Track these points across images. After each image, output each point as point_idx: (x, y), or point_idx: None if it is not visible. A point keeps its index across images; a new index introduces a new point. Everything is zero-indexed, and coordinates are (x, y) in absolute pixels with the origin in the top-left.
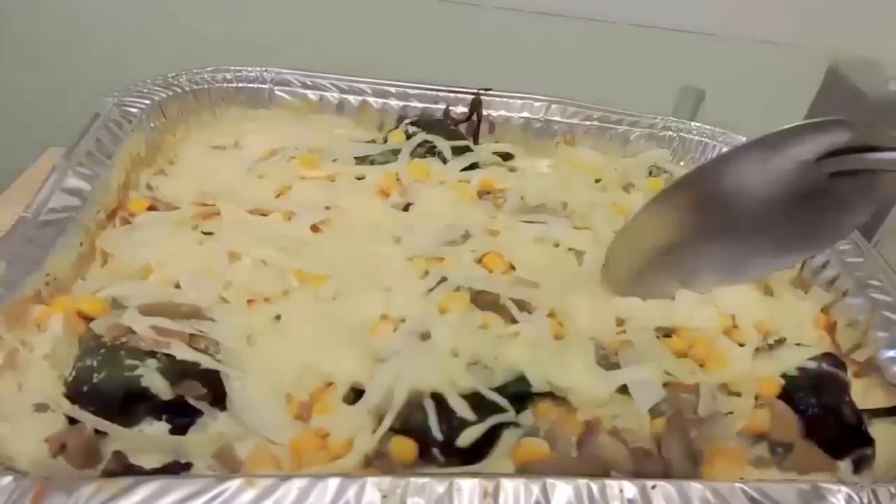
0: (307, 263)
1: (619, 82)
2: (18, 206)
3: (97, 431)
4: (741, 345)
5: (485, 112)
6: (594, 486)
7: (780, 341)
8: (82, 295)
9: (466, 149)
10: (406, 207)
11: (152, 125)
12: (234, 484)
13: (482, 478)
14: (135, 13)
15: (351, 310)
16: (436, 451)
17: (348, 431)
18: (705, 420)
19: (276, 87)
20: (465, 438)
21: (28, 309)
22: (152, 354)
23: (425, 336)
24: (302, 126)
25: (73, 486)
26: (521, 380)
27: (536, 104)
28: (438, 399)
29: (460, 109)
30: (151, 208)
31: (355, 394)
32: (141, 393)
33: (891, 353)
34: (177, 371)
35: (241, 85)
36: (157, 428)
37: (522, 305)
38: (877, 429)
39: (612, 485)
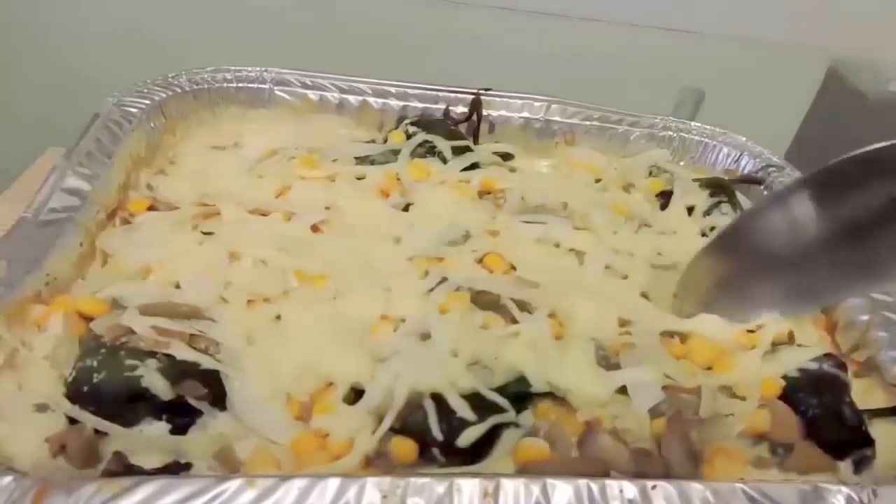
0: (307, 263)
1: (619, 82)
2: (18, 206)
3: (97, 431)
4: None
5: (485, 112)
6: (594, 487)
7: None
8: (82, 295)
9: (466, 149)
10: (406, 207)
11: (152, 125)
12: (234, 484)
13: (482, 478)
14: (135, 13)
15: (351, 310)
16: (436, 451)
17: (348, 431)
18: (706, 421)
19: (275, 87)
20: (466, 438)
21: (28, 309)
22: (152, 354)
23: (425, 336)
24: (302, 126)
25: (73, 486)
26: (522, 380)
27: (536, 104)
28: (438, 399)
29: (460, 109)
30: (151, 208)
31: (355, 394)
32: (141, 393)
33: (891, 353)
34: (177, 371)
35: (241, 85)
36: (157, 428)
37: (523, 305)
38: (877, 429)
39: (613, 485)
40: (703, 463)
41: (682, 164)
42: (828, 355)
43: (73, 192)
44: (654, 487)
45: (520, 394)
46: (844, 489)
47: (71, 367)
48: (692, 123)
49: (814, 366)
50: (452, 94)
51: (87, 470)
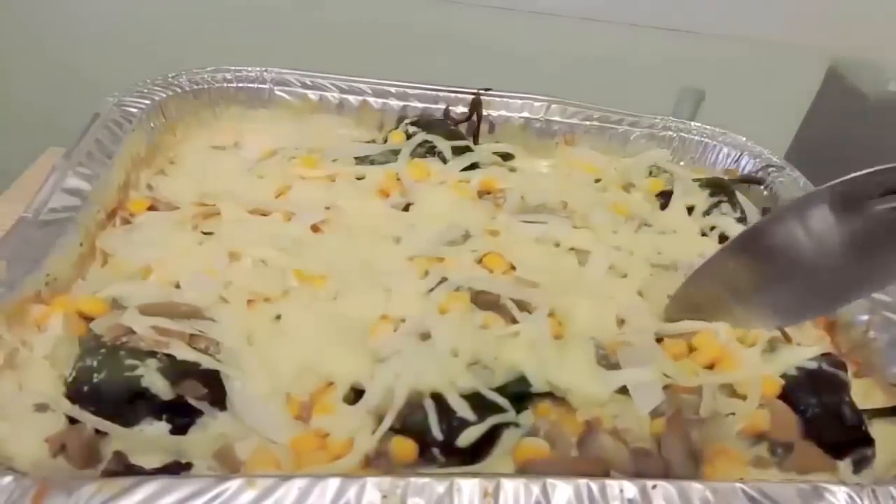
0: (307, 263)
1: (619, 82)
2: (18, 206)
3: (97, 431)
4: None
5: (485, 112)
6: (594, 486)
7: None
8: (82, 295)
9: (466, 149)
10: (406, 207)
11: (152, 125)
12: (234, 484)
13: (482, 478)
14: (135, 13)
15: (351, 310)
16: (436, 451)
17: (348, 431)
18: (706, 420)
19: (276, 87)
20: (466, 438)
21: (28, 309)
22: (152, 354)
23: (425, 336)
24: (302, 126)
25: (73, 486)
26: (521, 380)
27: (536, 104)
28: (438, 399)
29: (460, 109)
30: (151, 208)
31: (355, 394)
32: (141, 393)
33: (891, 353)
34: (177, 371)
35: (241, 85)
36: (157, 428)
37: (522, 305)
38: (877, 429)
39: (612, 485)
40: (703, 463)
41: (682, 164)
42: (827, 355)
43: (73, 192)
44: (654, 487)
45: (520, 394)
46: (844, 489)
47: (71, 367)
48: (692, 123)
49: (813, 365)
50: (452, 94)
51: (87, 470)
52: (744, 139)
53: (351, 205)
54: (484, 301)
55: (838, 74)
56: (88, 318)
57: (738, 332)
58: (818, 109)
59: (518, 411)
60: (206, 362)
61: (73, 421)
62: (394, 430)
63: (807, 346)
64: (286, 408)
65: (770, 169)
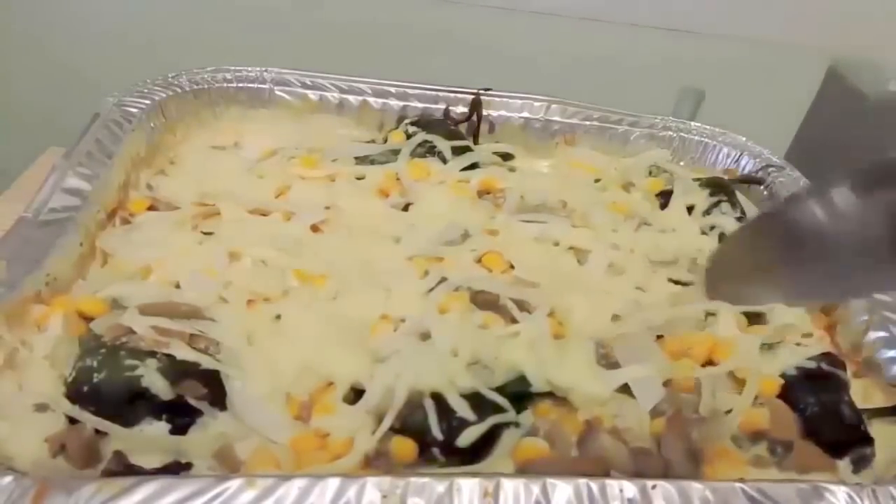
0: (307, 263)
1: (619, 82)
2: (18, 206)
3: (97, 431)
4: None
5: (485, 112)
6: (594, 486)
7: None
8: (82, 295)
9: (466, 149)
10: (406, 207)
11: (152, 125)
12: (234, 484)
13: (482, 478)
14: (135, 13)
15: (351, 310)
16: (436, 450)
17: (348, 431)
18: (706, 419)
19: (276, 87)
20: (465, 438)
21: (28, 309)
22: (152, 354)
23: (425, 336)
24: (302, 126)
25: (73, 486)
26: (521, 380)
27: (536, 104)
28: (438, 399)
29: (460, 109)
30: (151, 208)
31: (355, 394)
32: (141, 393)
33: (890, 353)
34: (177, 371)
35: (241, 85)
36: (157, 428)
37: (522, 305)
38: (876, 428)
39: (612, 485)
40: (702, 462)
41: (682, 163)
42: (827, 354)
43: (73, 192)
44: (653, 487)
45: (520, 393)
46: (844, 488)
47: (71, 367)
48: (692, 123)
49: (813, 365)
50: (452, 94)
51: (87, 470)
52: (744, 139)
53: (351, 205)
54: (483, 301)
55: (838, 74)
56: (88, 318)
57: (741, 324)
58: (818, 109)
59: (518, 411)
60: (206, 362)
61: (73, 421)
62: (394, 430)
63: (807, 346)
64: (286, 408)
65: (770, 169)
